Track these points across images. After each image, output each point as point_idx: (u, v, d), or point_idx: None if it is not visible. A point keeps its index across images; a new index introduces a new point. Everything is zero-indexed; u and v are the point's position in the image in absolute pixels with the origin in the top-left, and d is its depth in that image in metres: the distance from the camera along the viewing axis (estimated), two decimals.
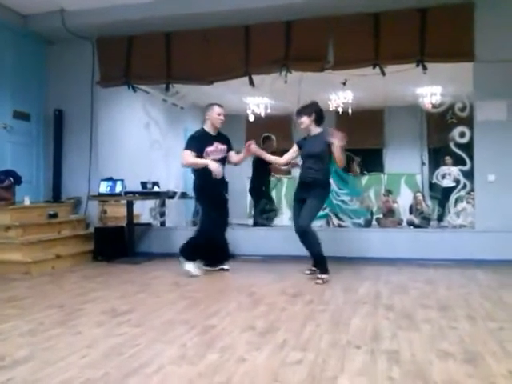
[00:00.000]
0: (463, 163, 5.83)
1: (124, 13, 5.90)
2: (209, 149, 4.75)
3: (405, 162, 10.97)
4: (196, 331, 2.89)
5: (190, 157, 4.70)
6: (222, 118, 4.83)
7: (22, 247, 5.13)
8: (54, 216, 5.85)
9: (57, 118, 6.50)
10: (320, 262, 4.50)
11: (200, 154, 4.71)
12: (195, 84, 6.42)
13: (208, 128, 4.85)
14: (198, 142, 4.75)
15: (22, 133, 6.27)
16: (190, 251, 4.79)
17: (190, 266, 4.74)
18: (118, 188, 5.81)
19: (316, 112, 4.63)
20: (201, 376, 2.19)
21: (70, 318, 3.21)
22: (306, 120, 4.62)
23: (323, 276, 4.38)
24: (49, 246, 5.44)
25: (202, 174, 4.73)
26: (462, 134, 5.68)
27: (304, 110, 4.66)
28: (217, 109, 4.82)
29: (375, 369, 2.24)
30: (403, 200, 9.18)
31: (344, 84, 7.83)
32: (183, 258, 4.79)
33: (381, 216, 8.32)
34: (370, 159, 11.09)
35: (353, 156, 7.03)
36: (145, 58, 6.29)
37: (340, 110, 9.46)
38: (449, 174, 7.27)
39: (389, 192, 9.03)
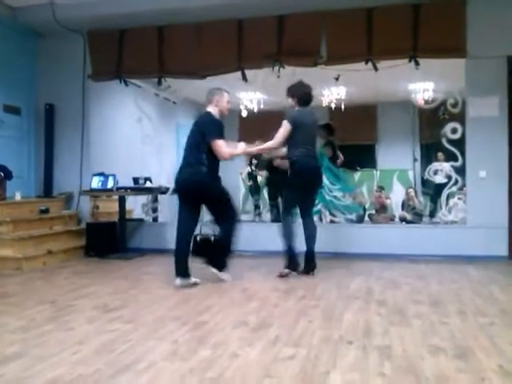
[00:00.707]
0: (455, 159, 5.85)
1: (115, 6, 5.84)
2: None
3: (397, 158, 11.00)
4: (188, 327, 2.88)
5: (226, 147, 4.16)
6: (229, 106, 4.41)
7: (12, 243, 5.09)
8: (46, 211, 5.81)
9: (48, 112, 6.45)
10: (286, 256, 4.46)
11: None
12: (188, 78, 6.38)
13: (216, 115, 4.27)
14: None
15: (12, 127, 6.22)
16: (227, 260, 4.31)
17: (227, 275, 4.28)
18: (110, 183, 5.78)
19: (297, 95, 4.53)
20: (193, 372, 2.19)
21: (61, 314, 3.20)
22: (290, 102, 4.58)
23: (285, 270, 4.39)
24: (40, 241, 5.40)
25: (213, 169, 4.17)
26: (454, 130, 5.71)
27: (288, 92, 4.60)
28: (226, 96, 4.37)
29: (367, 364, 2.25)
30: (396, 196, 9.21)
31: (337, 79, 7.82)
32: (219, 269, 4.23)
33: (373, 212, 8.33)
34: (363, 155, 11.11)
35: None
36: (137, 52, 6.24)
37: (333, 105, 9.46)
38: (441, 170, 7.30)
39: (381, 188, 9.06)
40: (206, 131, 4.13)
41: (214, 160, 4.14)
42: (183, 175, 4.20)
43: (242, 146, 4.40)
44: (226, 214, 4.21)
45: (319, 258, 4.63)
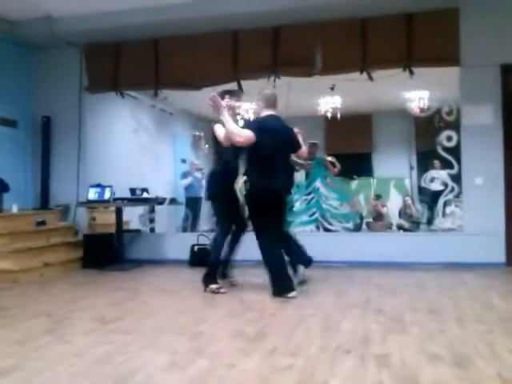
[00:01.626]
0: (451, 167, 5.88)
1: (111, 19, 5.88)
2: None
3: (393, 166, 11.04)
4: (186, 338, 2.87)
5: None
6: None
7: (9, 255, 5.08)
8: (43, 223, 5.80)
9: (44, 124, 6.46)
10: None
11: None
12: (184, 89, 6.43)
13: None
14: None
15: (9, 140, 6.22)
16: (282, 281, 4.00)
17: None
18: (107, 194, 5.77)
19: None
20: (191, 383, 2.18)
21: (58, 327, 3.18)
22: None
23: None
24: (37, 253, 5.39)
25: None
26: (449, 138, 5.75)
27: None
28: None
29: (365, 373, 2.24)
30: (393, 204, 9.23)
31: (332, 89, 7.87)
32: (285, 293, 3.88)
33: (370, 220, 8.35)
34: (359, 164, 11.13)
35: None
36: (133, 64, 6.29)
37: (329, 114, 9.50)
38: (437, 178, 7.33)
39: (378, 196, 9.08)
40: (296, 138, 4.20)
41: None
42: (283, 182, 4.05)
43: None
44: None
45: (318, 266, 4.63)
